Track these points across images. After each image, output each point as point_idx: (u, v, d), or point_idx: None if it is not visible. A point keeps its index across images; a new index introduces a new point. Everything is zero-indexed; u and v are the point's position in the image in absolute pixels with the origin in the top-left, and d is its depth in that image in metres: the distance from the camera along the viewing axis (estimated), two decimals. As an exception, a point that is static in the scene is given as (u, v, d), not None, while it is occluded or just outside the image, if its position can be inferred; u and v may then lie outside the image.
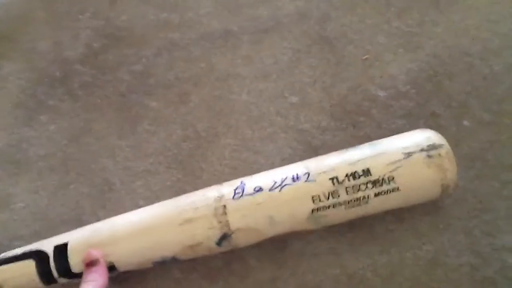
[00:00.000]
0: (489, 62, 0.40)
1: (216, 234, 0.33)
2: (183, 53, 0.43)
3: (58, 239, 0.35)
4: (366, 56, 0.41)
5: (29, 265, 0.34)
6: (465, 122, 0.39)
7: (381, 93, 0.40)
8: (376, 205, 0.33)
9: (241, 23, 0.43)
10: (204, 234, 0.33)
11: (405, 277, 0.35)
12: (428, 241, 0.36)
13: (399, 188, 0.32)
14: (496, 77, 0.40)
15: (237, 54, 0.42)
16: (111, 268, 0.34)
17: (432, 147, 0.33)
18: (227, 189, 0.34)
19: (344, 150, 0.35)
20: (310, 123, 0.40)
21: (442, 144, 0.33)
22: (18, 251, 0.35)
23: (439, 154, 0.32)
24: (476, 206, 0.36)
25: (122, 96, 0.42)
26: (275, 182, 0.33)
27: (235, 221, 0.33)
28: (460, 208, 0.36)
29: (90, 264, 0.32)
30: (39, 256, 0.34)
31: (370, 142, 0.35)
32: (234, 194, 0.33)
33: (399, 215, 0.37)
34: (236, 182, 0.35)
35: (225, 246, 0.34)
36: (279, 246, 0.37)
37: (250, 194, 0.33)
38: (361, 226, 0.37)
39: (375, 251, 0.36)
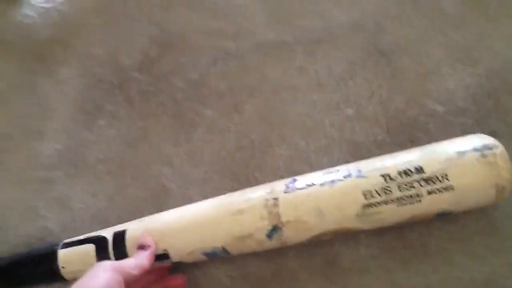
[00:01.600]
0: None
1: (267, 225, 0.34)
2: (237, 62, 0.44)
3: (118, 227, 0.38)
4: (423, 69, 0.40)
5: (90, 249, 0.37)
6: (527, 142, 0.38)
7: (439, 108, 0.39)
8: (429, 204, 0.33)
9: (294, 33, 0.44)
10: (255, 225, 0.34)
11: (458, 299, 0.35)
12: (486, 263, 0.36)
13: (453, 187, 0.32)
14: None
15: (291, 65, 0.43)
16: (165, 256, 0.36)
17: (486, 147, 0.32)
18: (279, 184, 0.36)
19: (396, 152, 0.35)
20: (366, 137, 0.40)
21: (497, 145, 0.33)
22: (82, 237, 0.39)
23: (494, 154, 0.32)
24: (536, 229, 0.36)
25: (177, 104, 0.44)
26: (327, 179, 0.34)
27: (286, 213, 0.34)
28: (518, 231, 0.36)
29: (141, 247, 0.35)
30: (99, 241, 0.38)
31: (423, 145, 0.35)
32: (286, 188, 0.35)
33: (456, 235, 0.37)
34: (288, 179, 0.36)
35: (275, 240, 0.35)
36: (329, 260, 0.38)
37: (302, 188, 0.35)
38: (414, 243, 0.37)
39: (429, 270, 0.36)
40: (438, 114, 0.39)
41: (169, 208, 0.40)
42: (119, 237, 0.37)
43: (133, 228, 0.37)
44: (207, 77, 0.44)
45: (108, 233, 0.37)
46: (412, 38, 0.42)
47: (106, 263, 0.31)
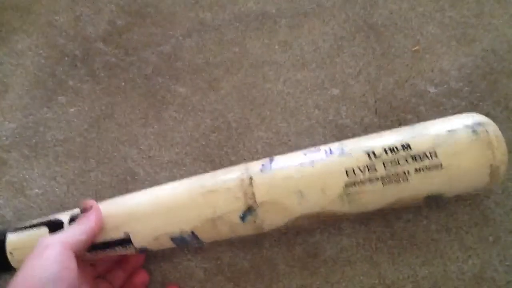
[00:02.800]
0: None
1: (241, 206, 0.32)
2: (215, 35, 0.41)
3: (76, 211, 0.35)
4: (416, 48, 0.38)
5: (43, 234, 0.34)
6: (523, 126, 0.36)
7: (431, 89, 0.37)
8: (417, 183, 0.30)
9: (279, 4, 0.41)
10: (227, 206, 0.32)
11: (447, 292, 0.33)
12: (475, 254, 0.34)
13: (442, 164, 0.30)
14: (560, 77, 0.37)
15: (273, 39, 0.40)
16: (127, 240, 0.33)
17: (479, 124, 0.30)
18: (254, 164, 0.33)
19: (382, 131, 0.33)
20: (352, 119, 0.37)
21: (490, 123, 0.31)
22: (34, 221, 0.35)
23: (486, 131, 0.30)
24: (529, 219, 0.34)
25: (148, 79, 0.40)
26: (307, 157, 0.32)
27: (261, 193, 0.31)
28: (510, 220, 0.34)
29: (85, 210, 0.32)
30: (54, 225, 0.34)
31: (410, 125, 0.33)
32: (262, 167, 0.32)
33: (444, 225, 0.35)
34: (265, 159, 0.33)
35: (249, 224, 0.32)
36: (310, 250, 0.36)
37: (279, 168, 0.32)
38: (401, 232, 0.35)
39: (417, 262, 0.35)
40: (430, 95, 0.37)
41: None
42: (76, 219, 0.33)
43: None
44: (181, 50, 0.41)
45: (64, 216, 0.34)
46: (406, 13, 0.40)
47: (51, 239, 0.28)
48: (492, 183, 0.31)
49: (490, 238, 0.34)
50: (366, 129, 0.37)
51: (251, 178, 0.32)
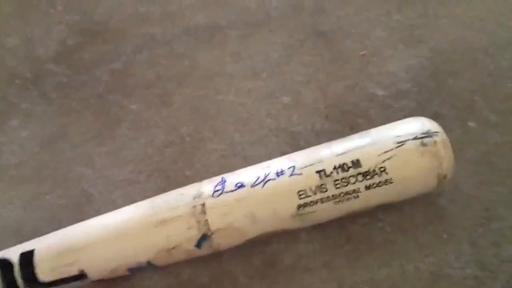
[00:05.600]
0: (496, 57, 0.39)
1: (195, 235, 0.32)
2: (165, 49, 0.42)
3: (25, 246, 0.34)
4: (363, 52, 0.40)
5: None
6: (471, 123, 0.38)
7: (380, 92, 0.39)
8: (368, 199, 0.32)
9: (228, 16, 0.42)
10: (181, 236, 0.32)
11: (405, 292, 0.34)
12: (431, 253, 0.35)
13: (392, 179, 0.31)
14: (503, 73, 0.39)
15: (224, 51, 0.41)
16: (82, 276, 0.33)
17: (426, 134, 0.32)
18: (207, 186, 0.34)
19: (333, 141, 0.34)
20: (304, 125, 0.39)
21: (437, 132, 0.32)
22: None
23: (434, 142, 0.32)
24: (482, 214, 0.35)
25: (100, 97, 0.41)
26: (258, 177, 0.33)
27: (214, 220, 0.32)
28: (464, 216, 0.36)
29: None
30: (2, 265, 0.33)
31: (361, 132, 0.34)
32: (214, 192, 0.33)
33: (399, 225, 0.36)
34: (217, 179, 0.34)
35: (206, 249, 0.33)
36: (268, 260, 0.36)
37: (231, 191, 0.33)
38: (358, 237, 0.36)
39: (374, 265, 0.36)
40: (379, 99, 0.39)
41: (92, 215, 0.37)
42: (27, 258, 0.33)
43: (43, 247, 0.33)
44: (132, 66, 0.42)
45: (13, 254, 0.34)
46: (353, 18, 0.41)
47: None
48: (439, 188, 0.33)
49: (445, 236, 0.35)
50: (318, 135, 0.38)
51: (203, 205, 0.32)
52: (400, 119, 0.37)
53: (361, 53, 0.40)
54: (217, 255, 0.37)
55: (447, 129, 0.37)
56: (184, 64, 0.41)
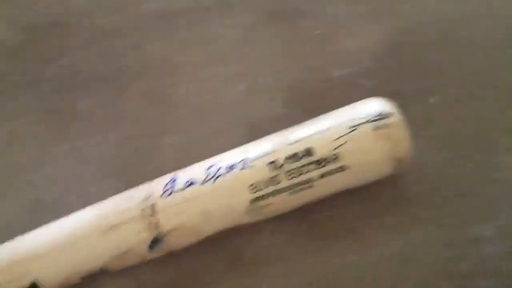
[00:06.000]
0: (456, 29, 0.38)
1: (147, 238, 0.31)
2: (115, 41, 0.40)
3: None
4: (319, 31, 0.38)
5: None
6: (433, 99, 0.36)
7: (339, 73, 0.37)
8: (324, 187, 0.31)
9: (177, 2, 0.40)
10: (133, 240, 0.31)
11: (373, 278, 0.33)
12: (397, 236, 0.34)
13: (346, 166, 0.30)
14: (464, 46, 0.37)
15: (175, 39, 0.40)
16: (35, 286, 0.32)
17: (380, 116, 0.31)
18: (157, 186, 0.33)
19: (285, 130, 0.33)
20: (262, 113, 0.38)
21: (391, 113, 0.31)
22: None
23: (388, 124, 0.30)
24: (448, 193, 0.35)
25: (49, 96, 0.40)
26: (209, 174, 0.32)
27: (166, 221, 0.31)
28: (430, 196, 0.35)
29: None
30: None
31: (314, 118, 0.33)
32: (164, 192, 0.32)
33: (363, 210, 0.35)
34: (167, 177, 0.33)
35: (160, 251, 0.32)
36: (233, 255, 0.35)
37: (181, 190, 0.32)
38: (321, 225, 0.35)
39: (339, 252, 0.35)
40: (338, 79, 0.37)
41: (48, 222, 0.36)
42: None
43: None
44: (82, 62, 0.40)
45: None
46: (310, -4, 0.40)
47: None
48: (398, 171, 0.32)
49: (411, 218, 0.34)
50: (277, 122, 0.36)
51: (153, 206, 0.31)
52: (360, 99, 0.35)
53: (317, 32, 0.38)
54: (178, 254, 0.36)
55: (408, 107, 0.36)
56: (136, 56, 0.40)
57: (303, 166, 0.30)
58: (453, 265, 0.33)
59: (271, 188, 0.31)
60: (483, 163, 0.35)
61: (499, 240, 0.33)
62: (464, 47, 0.38)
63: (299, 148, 0.31)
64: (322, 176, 0.30)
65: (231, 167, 0.31)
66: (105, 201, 0.34)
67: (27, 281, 0.32)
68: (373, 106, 0.32)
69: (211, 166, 0.32)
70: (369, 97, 0.35)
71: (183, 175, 0.33)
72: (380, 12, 0.38)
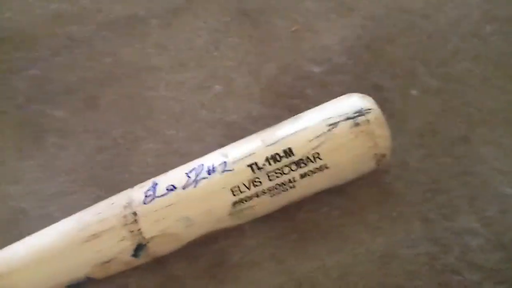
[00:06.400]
0: (433, 17, 0.37)
1: (129, 246, 0.31)
2: (84, 49, 0.39)
3: None
4: (295, 27, 0.37)
5: None
6: (413, 92, 0.36)
7: (315, 69, 0.37)
8: (305, 187, 0.31)
9: (146, 5, 0.39)
10: (115, 249, 0.31)
11: (358, 275, 0.33)
12: (381, 233, 0.34)
13: (327, 165, 0.30)
14: (443, 35, 0.37)
15: (146, 43, 0.39)
16: None
17: (359, 113, 0.30)
18: (137, 192, 0.32)
19: (264, 130, 0.33)
20: (239, 114, 0.37)
21: (370, 109, 0.31)
22: None
23: (367, 121, 0.30)
24: (430, 187, 0.34)
25: (20, 108, 0.38)
26: (190, 178, 0.31)
27: (148, 228, 0.31)
28: (412, 191, 0.35)
29: None
30: None
31: (293, 117, 0.33)
32: (145, 198, 0.31)
33: (346, 208, 0.35)
34: (148, 183, 0.32)
35: (144, 257, 0.32)
36: (215, 259, 0.35)
37: (162, 195, 0.31)
38: (304, 225, 0.35)
39: (323, 252, 0.34)
40: (315, 76, 0.37)
41: (29, 233, 0.35)
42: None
43: None
44: (51, 71, 0.39)
45: None
46: (280, -8, 0.39)
47: None
48: (379, 167, 0.32)
49: (394, 214, 0.34)
50: (256, 122, 0.36)
51: (134, 213, 0.31)
52: (338, 95, 0.35)
53: (292, 29, 0.37)
54: (162, 260, 0.35)
55: (388, 100, 0.36)
56: (107, 62, 0.39)
57: (283, 166, 0.30)
58: (438, 259, 0.33)
59: (252, 190, 0.30)
60: (463, 156, 0.35)
61: (484, 232, 0.33)
62: (443, 34, 0.38)
63: (279, 148, 0.30)
64: (303, 176, 0.30)
65: (212, 170, 0.31)
66: (85, 210, 0.33)
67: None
68: (351, 102, 0.31)
69: (191, 170, 0.32)
70: (349, 92, 0.34)
71: (163, 180, 0.32)
72: (352, 5, 0.38)
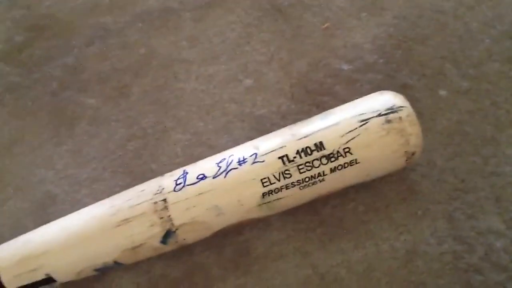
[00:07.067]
0: (464, 19, 0.37)
1: (159, 232, 0.31)
2: (118, 39, 0.40)
3: None
4: (326, 25, 0.38)
5: None
6: (442, 92, 0.36)
7: (345, 67, 0.37)
8: (334, 181, 0.31)
9: (180, -2, 0.40)
10: (145, 234, 0.31)
11: (382, 272, 0.33)
12: (406, 230, 0.34)
13: (358, 160, 0.30)
14: (474, 36, 0.37)
15: (180, 35, 0.39)
16: (49, 280, 0.32)
17: (391, 110, 0.30)
18: (168, 180, 0.33)
19: (295, 124, 0.33)
20: (269, 108, 0.37)
21: (403, 106, 0.31)
22: None
23: (399, 118, 0.30)
24: (457, 186, 0.34)
25: (55, 95, 0.40)
26: (220, 168, 0.32)
27: (178, 215, 0.31)
28: (439, 190, 0.35)
29: None
30: None
31: (324, 112, 0.33)
32: (175, 186, 0.32)
33: (372, 205, 0.35)
34: (178, 172, 0.33)
35: (172, 244, 0.32)
36: (241, 250, 0.36)
37: (193, 184, 0.32)
38: (331, 220, 0.35)
39: (348, 247, 0.35)
40: (345, 73, 0.37)
41: (59, 217, 0.36)
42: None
43: (5, 255, 0.33)
44: (86, 60, 0.40)
45: None
46: (313, -11, 0.39)
47: None
48: (409, 165, 0.32)
49: (419, 212, 0.34)
50: (284, 117, 0.37)
51: (165, 200, 0.31)
52: (368, 93, 0.35)
53: (323, 26, 0.38)
54: (189, 248, 0.36)
55: (417, 100, 0.36)
56: (140, 53, 0.39)
57: (314, 160, 0.30)
58: (462, 258, 0.33)
59: (282, 182, 0.31)
60: (490, 157, 0.35)
61: (509, 233, 0.33)
62: (474, 35, 0.38)
63: (310, 142, 0.31)
64: (333, 170, 0.30)
65: (242, 161, 0.31)
66: (117, 195, 0.34)
67: (41, 274, 0.32)
68: (384, 99, 0.31)
69: (222, 160, 0.32)
70: (377, 91, 0.34)
71: (194, 169, 0.33)
72: (384, 4, 0.38)
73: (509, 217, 0.34)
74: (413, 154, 0.31)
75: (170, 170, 0.36)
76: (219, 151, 0.36)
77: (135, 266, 0.36)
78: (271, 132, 0.35)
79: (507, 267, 0.33)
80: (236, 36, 0.39)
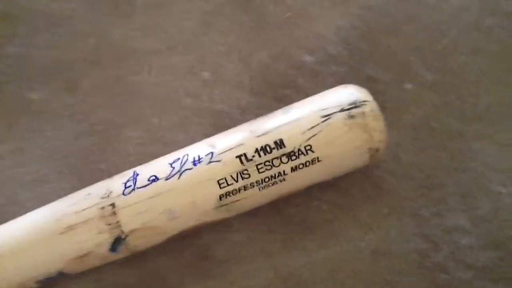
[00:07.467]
0: (430, 10, 0.36)
1: (107, 239, 0.29)
2: (66, 28, 0.37)
3: None
4: (288, 14, 0.36)
5: None
6: (407, 85, 0.35)
7: (308, 58, 0.35)
8: (296, 180, 0.30)
9: (133, -17, 0.37)
10: (92, 242, 0.29)
11: (346, 273, 0.32)
12: (371, 230, 0.33)
13: (320, 158, 0.29)
14: (439, 27, 0.36)
15: (133, 24, 0.37)
16: None
17: (354, 105, 0.29)
18: (116, 183, 0.30)
19: (254, 120, 0.31)
20: (227, 103, 0.35)
21: (366, 101, 0.29)
22: None
23: (363, 113, 0.29)
24: (423, 182, 0.33)
25: (-4, 88, 0.36)
26: (173, 168, 0.30)
27: (128, 221, 0.29)
28: (405, 187, 0.34)
29: None
30: None
31: (284, 107, 0.31)
32: (125, 189, 0.30)
33: (336, 203, 0.34)
34: (128, 173, 0.31)
35: (123, 251, 0.30)
36: (200, 254, 0.34)
37: (143, 187, 0.29)
38: (293, 219, 0.34)
39: (312, 247, 0.33)
40: (308, 66, 0.35)
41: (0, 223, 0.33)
42: None
43: None
44: (30, 50, 0.37)
45: None
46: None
47: None
48: (373, 162, 0.31)
49: (385, 210, 0.33)
50: (244, 112, 0.35)
51: (113, 205, 0.29)
52: (331, 86, 0.33)
53: (286, 15, 0.36)
54: (142, 255, 0.34)
55: (382, 93, 0.34)
56: (89, 43, 0.37)
57: (274, 159, 0.29)
58: (428, 257, 0.32)
59: (241, 183, 0.29)
60: (457, 152, 0.34)
61: (475, 230, 0.32)
62: (439, 27, 0.37)
63: (270, 139, 0.29)
64: (294, 169, 0.29)
65: (197, 161, 0.29)
66: (60, 200, 0.31)
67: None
68: (347, 93, 0.30)
69: (175, 160, 0.30)
70: (342, 84, 0.33)
71: (145, 171, 0.30)
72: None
73: (475, 214, 0.33)
74: (377, 150, 0.30)
75: (122, 171, 0.33)
76: (175, 149, 0.33)
77: (83, 274, 0.33)
78: (230, 128, 0.33)
79: (472, 265, 0.32)
80: (193, 26, 0.36)
